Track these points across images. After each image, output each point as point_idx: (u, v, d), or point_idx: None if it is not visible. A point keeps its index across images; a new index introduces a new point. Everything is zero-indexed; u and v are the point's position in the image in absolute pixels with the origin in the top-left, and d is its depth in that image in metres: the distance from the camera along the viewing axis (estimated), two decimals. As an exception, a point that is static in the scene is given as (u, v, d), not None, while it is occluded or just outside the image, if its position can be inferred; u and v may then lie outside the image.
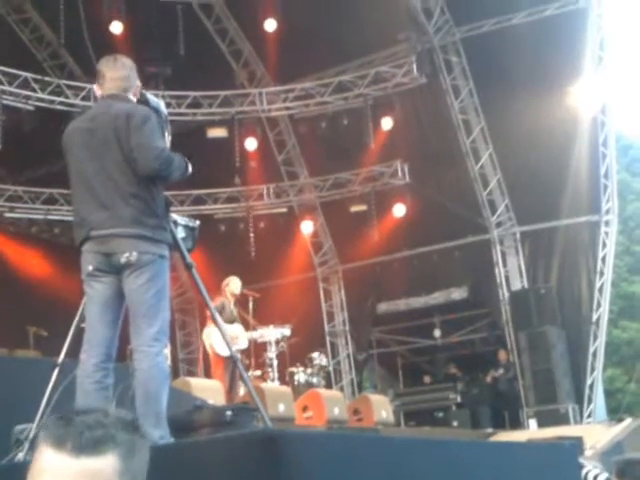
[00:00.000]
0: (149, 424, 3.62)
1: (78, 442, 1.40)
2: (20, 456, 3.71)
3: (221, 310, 9.36)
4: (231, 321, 9.66)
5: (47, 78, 13.65)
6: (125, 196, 3.87)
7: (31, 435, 3.64)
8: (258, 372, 10.83)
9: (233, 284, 9.99)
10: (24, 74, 12.99)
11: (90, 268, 3.90)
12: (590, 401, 13.51)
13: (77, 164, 3.98)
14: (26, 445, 3.57)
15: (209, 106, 14.70)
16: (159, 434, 3.63)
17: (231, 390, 9.24)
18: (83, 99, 13.21)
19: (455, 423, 13.62)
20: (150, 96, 4.27)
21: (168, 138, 4.21)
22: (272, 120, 15.76)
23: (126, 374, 3.94)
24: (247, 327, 10.26)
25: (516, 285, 14.60)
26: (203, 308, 9.40)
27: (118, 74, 4.14)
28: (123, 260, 3.83)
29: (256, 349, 10.86)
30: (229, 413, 3.91)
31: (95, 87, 4.24)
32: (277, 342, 10.80)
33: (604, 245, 13.80)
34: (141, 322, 3.85)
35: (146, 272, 3.85)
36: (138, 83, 4.22)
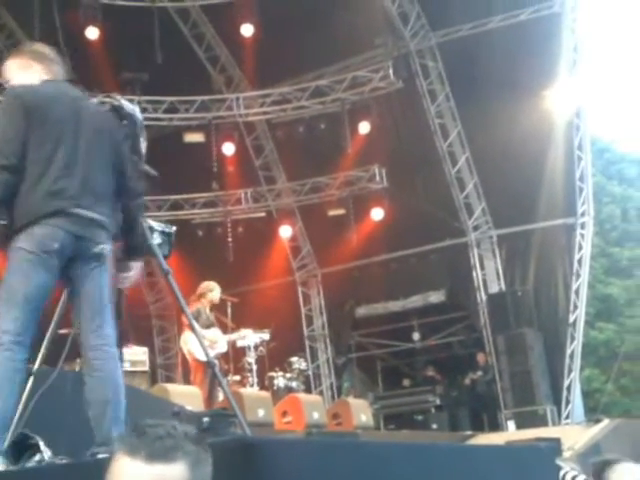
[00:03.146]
0: (119, 428, 3.49)
1: (151, 450, 1.55)
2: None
3: (197, 316, 9.31)
4: (207, 326, 9.62)
5: (22, 83, 13.52)
6: (106, 188, 3.79)
7: (5, 444, 3.57)
8: (237, 377, 10.81)
9: (216, 292, 9.88)
10: (-1, 80, 12.88)
11: (56, 246, 3.56)
12: (568, 402, 13.60)
13: (57, 132, 3.69)
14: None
15: (186, 111, 14.66)
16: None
17: (211, 396, 9.21)
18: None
19: (434, 426, 13.66)
20: (125, 102, 4.23)
21: (144, 144, 4.19)
22: (249, 125, 15.75)
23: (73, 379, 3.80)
24: (225, 330, 10.23)
25: (493, 288, 14.67)
26: (181, 314, 9.35)
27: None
28: (96, 250, 3.66)
29: (235, 354, 10.83)
30: (206, 419, 3.89)
31: (39, 68, 3.89)
32: (256, 347, 10.78)
33: (580, 247, 13.90)
34: (103, 322, 3.66)
35: (107, 270, 3.75)
36: None
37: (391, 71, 13.89)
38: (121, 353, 3.93)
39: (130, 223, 3.88)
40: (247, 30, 13.91)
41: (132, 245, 3.95)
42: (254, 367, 10.66)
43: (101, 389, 3.58)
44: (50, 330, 4.15)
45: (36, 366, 4.15)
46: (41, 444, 3.62)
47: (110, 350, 3.66)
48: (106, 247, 3.72)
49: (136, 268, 3.93)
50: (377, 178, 14.80)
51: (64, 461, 3.46)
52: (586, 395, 18.11)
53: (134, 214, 3.87)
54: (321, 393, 15.34)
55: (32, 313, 3.55)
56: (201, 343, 4.73)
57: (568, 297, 13.88)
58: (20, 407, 3.83)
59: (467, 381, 14.62)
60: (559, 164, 13.64)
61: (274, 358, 11.57)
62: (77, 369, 3.88)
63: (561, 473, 4.69)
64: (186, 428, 1.63)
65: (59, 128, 3.71)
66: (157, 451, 1.55)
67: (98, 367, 3.61)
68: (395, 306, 15.43)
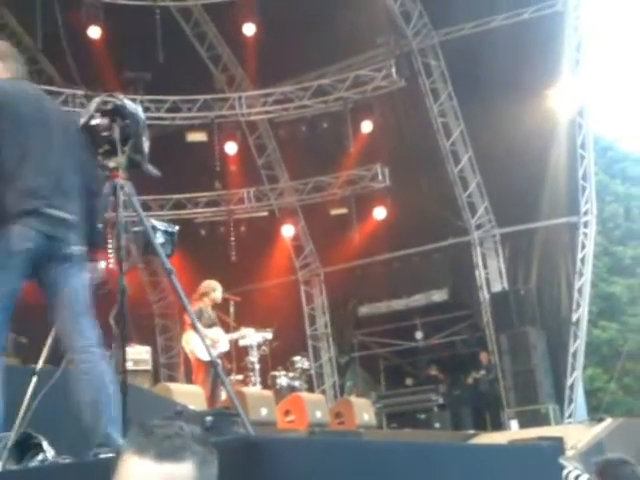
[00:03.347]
0: (117, 429, 3.48)
1: (160, 449, 1.56)
2: (-1, 465, 3.64)
3: (199, 315, 9.30)
4: (210, 325, 9.62)
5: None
6: (75, 187, 3.77)
7: (9, 444, 3.56)
8: (240, 376, 10.80)
9: (219, 292, 9.90)
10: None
11: (28, 246, 3.53)
12: (571, 401, 13.59)
13: (29, 130, 3.66)
14: (4, 454, 3.51)
15: (188, 110, 14.67)
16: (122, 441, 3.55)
17: (213, 395, 9.20)
18: (62, 104, 13.12)
19: (437, 425, 13.64)
20: (127, 102, 4.22)
21: (147, 143, 4.18)
22: (252, 124, 15.74)
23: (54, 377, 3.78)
24: (227, 329, 10.22)
25: (496, 287, 14.66)
26: (183, 313, 9.36)
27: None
28: (68, 250, 3.64)
29: (238, 353, 10.82)
30: (209, 419, 3.89)
31: None
32: (259, 346, 10.76)
33: (583, 246, 13.88)
34: (86, 323, 3.66)
35: (82, 271, 3.73)
36: None
37: (393, 70, 13.89)
38: (124, 352, 3.93)
39: (91, 223, 3.86)
40: (249, 29, 13.92)
41: (93, 245, 3.91)
42: (257, 366, 10.64)
43: (92, 391, 3.56)
44: (53, 330, 4.14)
45: (39, 366, 4.16)
46: (44, 444, 3.62)
47: (96, 351, 3.64)
48: (77, 247, 3.69)
49: (96, 270, 3.92)
50: (379, 177, 14.79)
51: (67, 461, 3.47)
52: (589, 394, 18.09)
53: (96, 214, 3.84)
54: (324, 392, 15.32)
55: (2, 314, 3.53)
56: (204, 342, 4.72)
57: (571, 296, 13.86)
58: (23, 407, 3.84)
59: (470, 380, 14.61)
60: (562, 163, 13.62)
61: (277, 357, 11.55)
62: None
63: (564, 472, 4.68)
64: (193, 428, 1.64)
65: (31, 127, 3.67)
66: (166, 450, 1.56)
67: (86, 370, 3.59)
68: (398, 305, 15.42)
